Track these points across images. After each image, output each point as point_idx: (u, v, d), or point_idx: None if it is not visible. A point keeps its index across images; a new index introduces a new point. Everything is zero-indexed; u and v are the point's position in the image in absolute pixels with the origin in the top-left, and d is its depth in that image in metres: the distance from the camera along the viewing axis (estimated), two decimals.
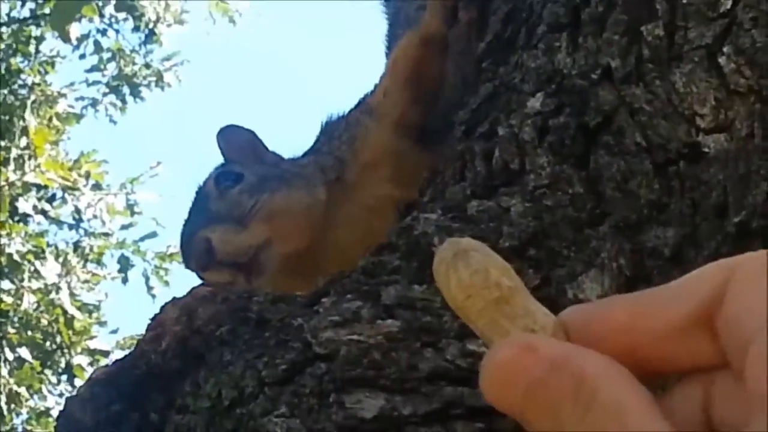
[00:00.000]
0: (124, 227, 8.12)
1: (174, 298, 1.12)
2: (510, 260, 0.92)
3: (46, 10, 7.63)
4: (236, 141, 1.77)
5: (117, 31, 8.03)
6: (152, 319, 1.11)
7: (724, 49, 1.03)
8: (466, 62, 1.51)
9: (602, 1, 1.17)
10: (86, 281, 7.66)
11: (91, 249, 7.82)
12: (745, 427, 0.55)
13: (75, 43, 7.45)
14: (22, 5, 8.10)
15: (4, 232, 7.28)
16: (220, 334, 1.06)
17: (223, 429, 0.98)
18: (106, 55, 8.11)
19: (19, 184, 7.04)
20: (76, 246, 7.75)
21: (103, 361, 7.20)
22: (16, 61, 7.88)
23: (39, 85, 7.82)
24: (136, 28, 7.94)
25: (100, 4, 6.63)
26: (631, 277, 1.01)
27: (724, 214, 0.99)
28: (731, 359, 0.57)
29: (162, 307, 1.11)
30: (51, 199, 7.62)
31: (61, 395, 7.55)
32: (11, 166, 7.19)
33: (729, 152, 1.00)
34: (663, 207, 1.03)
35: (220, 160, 1.68)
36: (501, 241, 1.04)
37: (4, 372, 7.22)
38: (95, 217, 7.91)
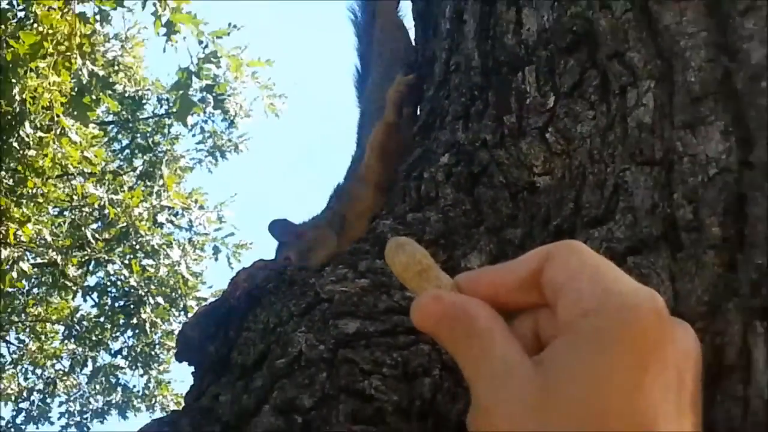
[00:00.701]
0: (216, 230, 10.27)
1: (244, 268, 1.25)
2: (429, 247, 1.12)
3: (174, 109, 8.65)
4: (278, 229, 1.97)
5: (213, 121, 10.36)
6: (231, 279, 1.22)
7: (549, 129, 1.17)
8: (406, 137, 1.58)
9: (482, 102, 1.29)
10: (195, 260, 9.80)
11: (198, 242, 9.98)
12: (558, 343, 0.66)
13: (190, 127, 9.24)
14: (161, 106, 10.67)
15: (150, 233, 9.31)
16: (269, 288, 1.18)
17: (269, 340, 1.08)
18: (206, 134, 10.53)
19: (158, 206, 9.19)
20: (189, 240, 9.90)
21: (203, 303, 7.85)
22: (158, 138, 10.36)
23: (170, 150, 10.32)
24: (224, 119, 10.01)
25: (204, 105, 6.85)
26: (496, 256, 1.13)
27: (548, 221, 1.12)
28: (550, 301, 0.69)
29: (237, 272, 1.23)
30: (175, 215, 9.73)
31: (179, 323, 9.15)
32: (154, 197, 9.58)
33: (551, 186, 1.13)
34: (514, 218, 1.15)
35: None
36: (425, 236, 1.16)
37: (149, 310, 9.41)
38: (200, 224, 10.08)
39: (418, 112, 1.59)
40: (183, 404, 1.21)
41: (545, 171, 1.17)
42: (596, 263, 0.69)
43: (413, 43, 1.82)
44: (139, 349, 10.50)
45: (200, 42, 6.98)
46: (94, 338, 10.56)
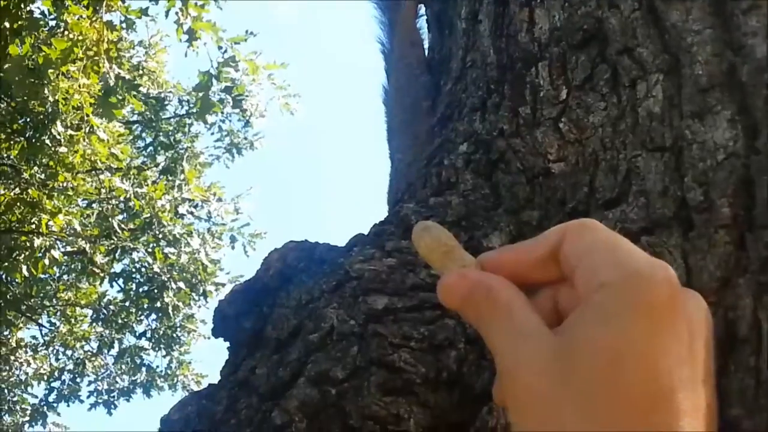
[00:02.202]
0: (233, 220, 10.39)
1: (276, 248, 1.20)
2: (451, 228, 1.10)
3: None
4: None
5: (230, 121, 10.33)
6: (264, 259, 1.19)
7: (562, 119, 1.16)
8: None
9: (498, 95, 1.28)
10: (213, 248, 9.84)
11: (216, 232, 10.10)
12: (576, 314, 0.64)
13: (209, 126, 9.43)
14: (181, 107, 10.75)
15: (172, 223, 9.49)
16: (300, 267, 1.15)
17: (302, 316, 1.07)
18: (224, 133, 10.55)
19: (179, 198, 9.31)
20: (208, 230, 10.02)
21: (221, 289, 9.77)
22: (179, 136, 10.46)
23: (190, 147, 10.37)
24: (240, 119, 10.01)
25: (222, 106, 6.87)
26: (515, 236, 1.12)
27: (563, 203, 1.11)
28: (568, 276, 0.68)
29: (270, 252, 1.19)
30: (195, 207, 9.82)
31: (199, 307, 10.22)
32: (175, 190, 9.71)
33: (565, 172, 1.13)
34: (530, 201, 1.14)
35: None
36: (447, 218, 1.15)
37: (171, 294, 9.50)
38: (218, 215, 10.19)
39: (437, 106, 1.56)
40: (219, 378, 1.18)
41: (559, 158, 1.15)
42: (610, 238, 0.68)
43: (427, 48, 1.81)
44: (162, 332, 10.56)
45: (220, 48, 6.98)
46: (120, 321, 10.60)
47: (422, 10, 1.93)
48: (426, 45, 1.87)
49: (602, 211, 1.05)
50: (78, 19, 6.99)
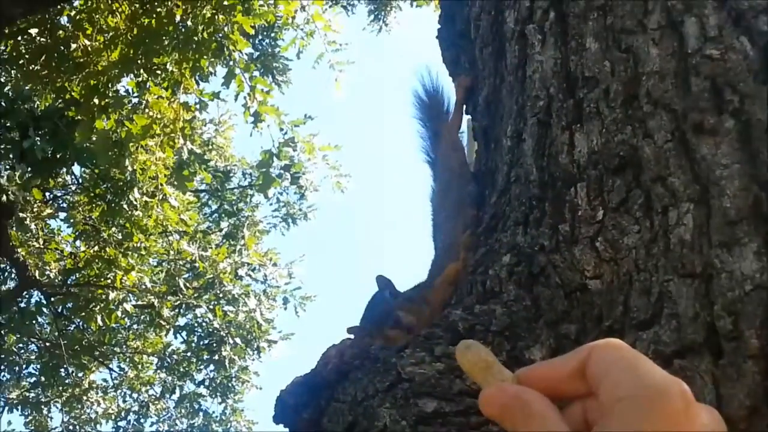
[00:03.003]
0: (286, 284, 10.34)
1: (333, 345, 1.21)
2: (495, 338, 1.11)
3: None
4: (384, 282, 1.79)
5: (287, 193, 10.38)
6: (323, 354, 1.19)
7: (599, 239, 1.15)
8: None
9: (539, 211, 1.27)
10: (268, 308, 9.81)
11: (271, 293, 10.07)
12: (600, 425, 0.65)
13: (269, 198, 9.33)
14: (244, 179, 10.94)
15: (232, 284, 9.52)
16: (356, 364, 1.16)
17: (357, 412, 1.07)
18: (281, 204, 10.59)
19: (239, 262, 9.30)
20: (264, 291, 9.96)
21: (273, 345, 10.05)
22: (241, 205, 10.51)
23: (251, 216, 10.43)
24: (296, 192, 10.05)
25: (281, 180, 6.97)
26: (555, 349, 1.11)
27: (600, 320, 1.10)
28: (593, 390, 0.68)
29: (327, 348, 1.20)
30: (253, 270, 9.85)
31: (253, 360, 10.26)
32: (236, 254, 9.77)
33: (601, 290, 1.11)
34: (568, 314, 1.13)
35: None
36: (491, 327, 1.14)
37: (228, 348, 9.56)
38: (273, 278, 10.30)
39: (483, 215, 1.55)
40: None
41: (595, 275, 1.14)
42: (630, 356, 0.68)
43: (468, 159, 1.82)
44: (218, 381, 10.54)
45: (281, 129, 7.09)
46: (181, 370, 10.62)
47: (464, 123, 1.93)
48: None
49: (636, 331, 1.04)
50: (157, 98, 7.16)
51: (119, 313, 8.69)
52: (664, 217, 1.09)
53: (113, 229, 8.69)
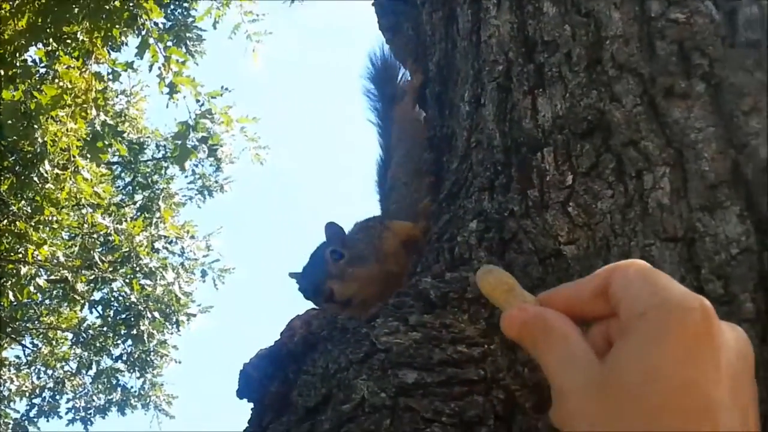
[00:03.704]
0: (204, 256, 10.15)
1: (298, 315, 1.14)
2: (471, 305, 1.05)
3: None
4: (332, 232, 1.77)
5: (203, 165, 10.10)
6: (288, 324, 1.13)
7: (570, 204, 1.11)
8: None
9: (506, 177, 1.22)
10: (186, 281, 9.61)
11: (189, 266, 9.87)
12: (620, 341, 0.66)
13: (185, 170, 8.70)
14: (159, 151, 10.56)
15: (148, 257, 9.10)
16: (323, 334, 1.09)
17: (330, 385, 1.00)
18: (197, 176, 10.31)
19: (155, 235, 9.07)
20: (182, 264, 9.76)
21: (192, 318, 9.83)
22: (156, 177, 10.18)
23: (166, 188, 10.13)
24: (212, 164, 9.89)
25: (198, 151, 6.72)
26: None
27: None
28: (614, 309, 0.69)
29: (292, 319, 1.13)
30: (170, 243, 9.59)
31: (171, 334, 9.99)
32: (152, 227, 9.40)
33: (577, 256, 1.07)
34: (543, 280, 1.08)
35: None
36: (466, 294, 1.08)
37: (146, 322, 9.29)
38: (191, 251, 10.05)
39: (442, 182, 1.49)
40: None
41: (570, 240, 1.10)
42: (651, 273, 0.69)
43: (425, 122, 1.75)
44: (136, 356, 10.30)
45: (197, 101, 6.88)
46: (98, 345, 10.34)
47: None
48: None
49: None
50: (68, 68, 6.88)
51: (32, 288, 8.38)
52: (638, 181, 1.06)
53: (23, 202, 8.35)
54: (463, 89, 1.45)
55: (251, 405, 1.14)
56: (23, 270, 8.36)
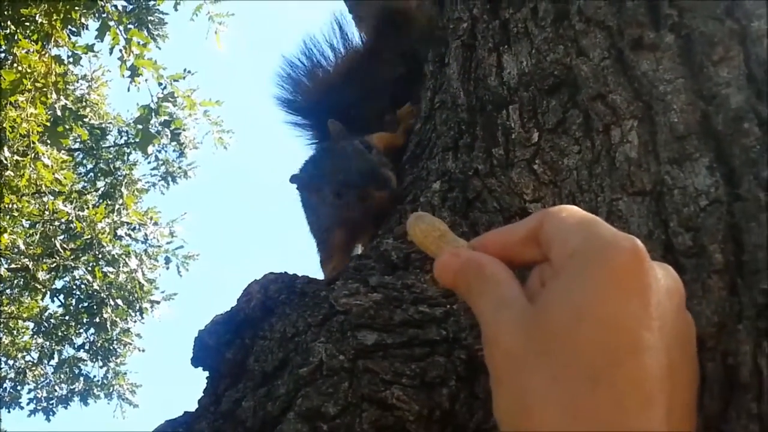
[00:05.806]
0: (168, 243, 9.97)
1: (256, 280, 1.10)
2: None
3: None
4: (339, 128, 1.49)
5: (166, 151, 9.86)
6: (244, 291, 1.09)
7: (536, 161, 1.08)
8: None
9: (470, 136, 1.19)
10: (149, 268, 9.49)
11: (152, 253, 9.73)
12: (551, 283, 0.65)
13: (146, 155, 8.21)
14: (121, 137, 10.40)
15: (111, 244, 9.05)
16: (281, 299, 1.05)
17: (288, 349, 0.97)
18: (160, 162, 10.09)
19: (118, 221, 8.91)
20: (145, 251, 9.61)
21: (156, 306, 9.69)
22: (118, 164, 10.03)
23: (128, 175, 9.93)
24: (175, 150, 9.49)
25: (161, 136, 6.61)
26: None
27: None
28: (547, 253, 0.68)
29: (249, 284, 1.09)
30: (133, 229, 9.44)
31: (135, 322, 9.82)
32: (115, 214, 9.23)
33: None
34: None
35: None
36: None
37: (109, 310, 9.05)
38: (154, 238, 9.87)
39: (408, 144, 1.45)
40: (197, 407, 1.06)
41: (535, 198, 1.07)
42: (583, 216, 0.68)
43: None
44: (99, 344, 10.16)
45: (159, 84, 6.76)
46: (60, 334, 10.18)
47: None
48: None
49: None
50: (27, 52, 6.73)
51: None
52: (605, 135, 1.03)
53: None
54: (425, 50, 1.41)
55: (206, 373, 1.09)
56: None
